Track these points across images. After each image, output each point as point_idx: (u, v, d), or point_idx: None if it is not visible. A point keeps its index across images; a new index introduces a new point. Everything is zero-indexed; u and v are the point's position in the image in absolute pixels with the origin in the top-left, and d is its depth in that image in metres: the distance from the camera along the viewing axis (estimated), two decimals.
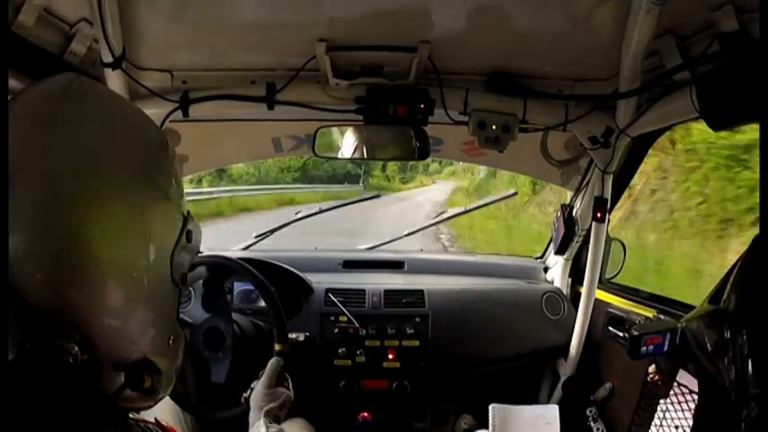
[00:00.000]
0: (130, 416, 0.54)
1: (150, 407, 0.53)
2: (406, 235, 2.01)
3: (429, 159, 1.76)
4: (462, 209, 2.05)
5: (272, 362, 1.02)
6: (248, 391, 1.00)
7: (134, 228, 0.47)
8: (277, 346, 1.08)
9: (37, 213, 0.43)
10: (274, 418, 0.95)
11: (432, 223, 2.07)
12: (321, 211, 1.98)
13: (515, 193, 1.95)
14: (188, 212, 0.55)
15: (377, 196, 2.40)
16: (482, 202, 2.23)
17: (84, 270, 0.44)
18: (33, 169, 0.43)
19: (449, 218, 2.02)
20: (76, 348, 0.43)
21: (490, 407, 1.37)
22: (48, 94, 0.47)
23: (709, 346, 0.55)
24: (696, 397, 1.11)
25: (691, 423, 1.09)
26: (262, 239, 1.87)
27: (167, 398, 1.10)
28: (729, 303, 0.54)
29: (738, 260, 0.57)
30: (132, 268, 0.47)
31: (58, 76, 0.49)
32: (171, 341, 0.52)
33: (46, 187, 0.43)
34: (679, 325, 0.60)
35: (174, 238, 0.52)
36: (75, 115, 0.46)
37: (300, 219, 1.93)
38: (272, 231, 1.88)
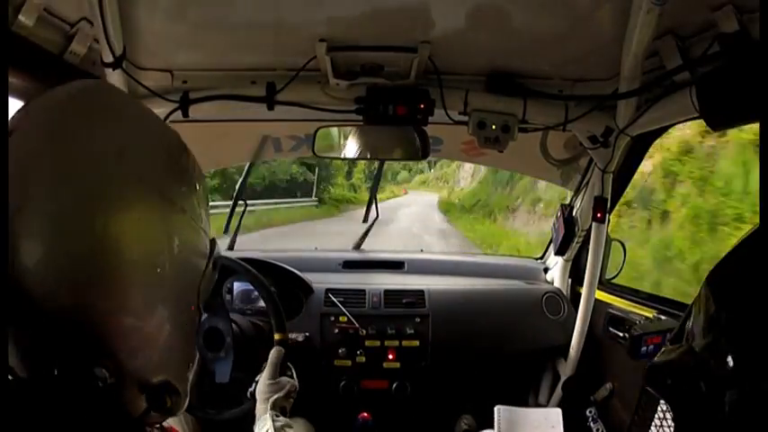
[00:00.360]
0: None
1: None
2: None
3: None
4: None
5: (273, 352, 1.02)
6: (253, 386, 1.00)
7: (166, 248, 0.47)
8: (276, 336, 1.08)
9: (60, 221, 0.41)
10: (281, 409, 0.95)
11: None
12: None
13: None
14: (214, 240, 0.54)
15: None
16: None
17: (115, 289, 0.43)
18: (53, 172, 0.41)
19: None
20: (107, 374, 0.43)
21: (495, 408, 1.37)
22: (71, 96, 0.46)
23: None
24: None
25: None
26: None
27: None
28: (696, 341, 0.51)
29: (699, 295, 0.53)
30: (165, 295, 0.47)
31: (80, 81, 0.48)
32: (190, 366, 0.53)
33: (69, 193, 0.41)
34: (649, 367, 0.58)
35: (203, 267, 0.52)
36: (99, 118, 0.45)
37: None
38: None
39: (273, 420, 0.92)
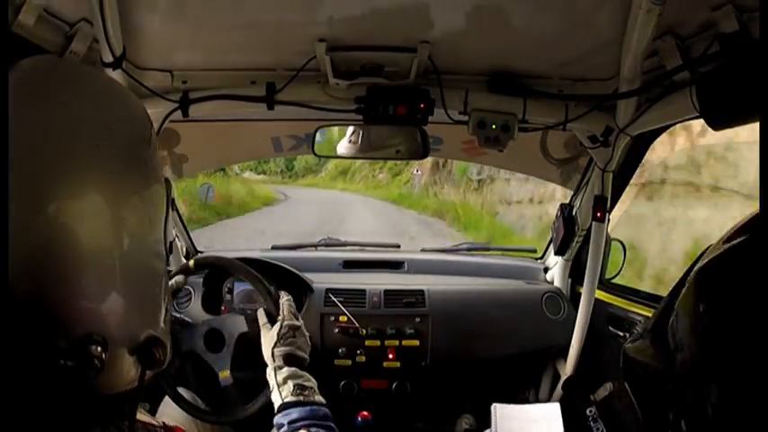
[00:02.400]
0: (138, 418, 0.54)
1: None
2: (421, 251, 2.02)
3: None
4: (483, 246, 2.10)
5: (259, 311, 1.01)
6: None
7: (130, 209, 0.47)
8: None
9: (24, 198, 0.41)
10: (284, 357, 0.92)
11: (450, 249, 2.06)
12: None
13: (535, 250, 1.99)
14: (167, 180, 0.55)
15: None
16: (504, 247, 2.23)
17: (85, 260, 0.43)
18: (20, 152, 0.41)
19: (467, 249, 2.03)
20: (100, 349, 0.43)
21: (492, 406, 1.37)
22: (33, 73, 0.46)
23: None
24: None
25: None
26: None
27: (177, 408, 1.09)
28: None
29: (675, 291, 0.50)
30: (131, 250, 0.47)
31: (42, 57, 0.48)
32: (167, 310, 0.54)
33: (32, 170, 0.41)
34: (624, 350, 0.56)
35: (164, 212, 0.52)
36: (62, 95, 0.45)
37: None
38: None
39: (275, 374, 0.89)
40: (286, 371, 0.90)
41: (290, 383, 0.88)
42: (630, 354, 0.55)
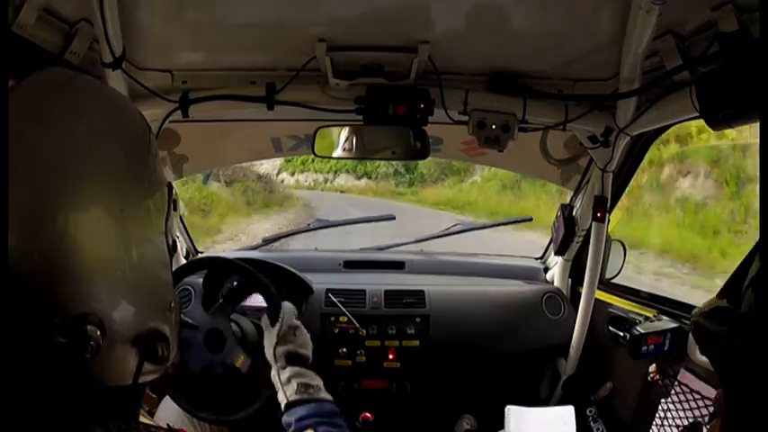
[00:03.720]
0: (141, 420, 0.54)
1: (157, 378, 0.54)
2: (414, 242, 1.99)
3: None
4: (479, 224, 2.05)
5: (263, 317, 1.02)
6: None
7: (134, 214, 0.48)
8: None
9: (28, 209, 0.42)
10: (286, 357, 0.92)
11: (444, 234, 2.02)
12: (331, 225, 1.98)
13: (531, 219, 1.97)
14: (169, 184, 0.56)
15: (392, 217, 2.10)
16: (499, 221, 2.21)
17: (90, 253, 0.44)
18: (21, 167, 0.42)
19: (461, 231, 2.00)
20: (96, 331, 0.43)
21: (506, 408, 1.37)
22: (36, 90, 0.46)
23: (730, 350, 0.51)
24: (697, 396, 1.11)
25: (691, 422, 1.09)
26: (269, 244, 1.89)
27: (177, 407, 1.09)
28: (745, 304, 0.51)
29: (752, 253, 0.53)
30: (135, 247, 0.48)
31: (46, 72, 0.48)
32: (171, 307, 0.54)
33: (34, 184, 0.42)
34: (692, 318, 0.57)
35: (165, 212, 0.53)
36: (64, 112, 0.46)
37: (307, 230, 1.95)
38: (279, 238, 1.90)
39: (279, 374, 0.89)
40: (289, 370, 0.90)
41: (294, 382, 0.88)
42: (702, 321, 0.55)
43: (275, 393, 0.91)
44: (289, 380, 0.88)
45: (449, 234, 1.97)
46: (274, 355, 0.93)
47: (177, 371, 1.15)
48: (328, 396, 0.88)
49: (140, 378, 0.49)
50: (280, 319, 0.98)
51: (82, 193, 0.44)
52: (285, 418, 0.84)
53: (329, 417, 0.83)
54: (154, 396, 1.10)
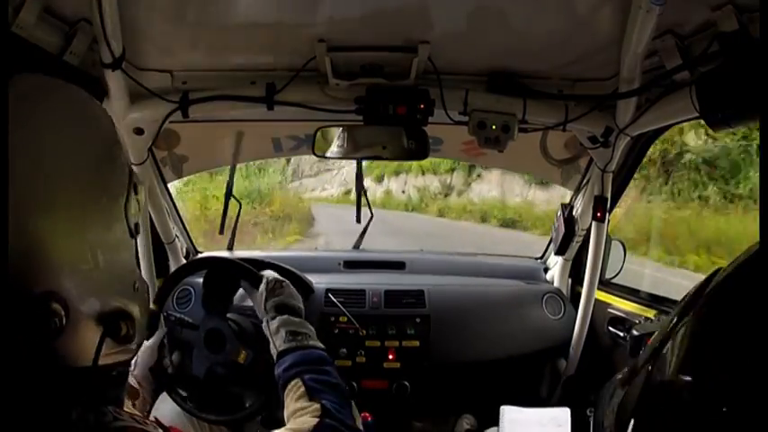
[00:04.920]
0: (127, 410, 0.54)
1: (128, 362, 0.57)
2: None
3: None
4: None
5: (243, 283, 1.04)
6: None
7: (93, 197, 0.52)
8: None
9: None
10: (274, 307, 0.92)
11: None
12: None
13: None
14: (130, 168, 0.58)
15: None
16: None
17: (49, 234, 0.47)
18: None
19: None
20: (59, 307, 0.46)
21: (501, 408, 1.37)
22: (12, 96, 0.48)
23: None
24: None
25: None
26: None
27: (176, 406, 1.09)
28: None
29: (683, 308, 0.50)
30: (93, 226, 0.51)
31: (20, 78, 0.49)
32: (136, 287, 0.57)
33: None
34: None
35: (124, 194, 0.56)
36: (33, 119, 0.48)
37: None
38: None
39: (269, 325, 0.89)
40: (278, 320, 0.89)
41: (283, 331, 0.87)
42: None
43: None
44: (278, 329, 0.88)
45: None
46: (264, 308, 0.93)
47: (180, 375, 1.15)
48: (318, 343, 0.87)
49: (105, 358, 0.51)
50: (264, 277, 0.98)
51: (49, 192, 0.47)
52: (275, 370, 0.83)
53: (316, 364, 0.81)
54: (136, 388, 1.10)
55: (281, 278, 1.00)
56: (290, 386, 0.78)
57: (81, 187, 0.51)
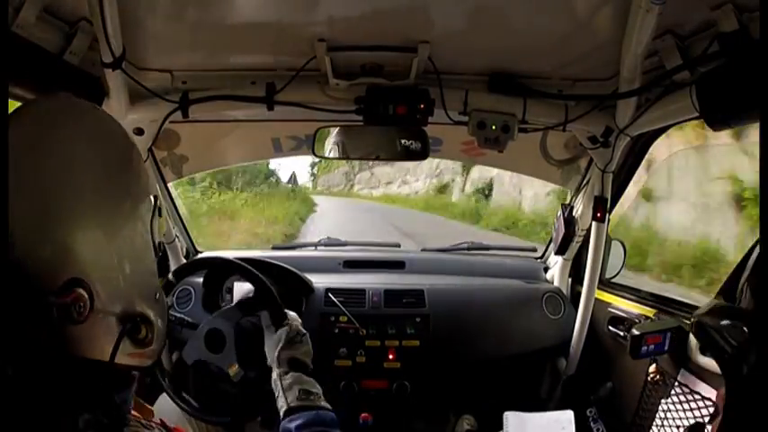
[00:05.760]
0: (134, 413, 0.55)
1: (146, 367, 0.59)
2: (422, 251, 2.01)
3: None
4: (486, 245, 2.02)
5: (263, 313, 1.04)
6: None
7: (123, 220, 0.56)
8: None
9: (33, 223, 0.50)
10: (288, 362, 0.93)
11: (451, 248, 2.00)
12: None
13: (536, 249, 1.96)
14: (155, 197, 0.63)
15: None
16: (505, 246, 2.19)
17: (82, 232, 0.52)
18: (26, 188, 0.50)
19: (467, 249, 1.96)
20: (85, 294, 0.50)
21: (504, 414, 1.36)
22: (35, 122, 0.54)
23: (732, 342, 0.53)
24: (697, 396, 1.11)
25: (692, 423, 1.09)
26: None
27: (176, 407, 1.09)
28: (743, 300, 0.52)
29: (749, 253, 0.54)
30: (119, 231, 0.55)
31: (47, 99, 0.57)
32: (157, 297, 0.60)
33: (38, 204, 0.51)
34: (693, 319, 0.59)
35: (145, 201, 0.61)
36: (58, 140, 0.53)
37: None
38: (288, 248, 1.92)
39: (281, 380, 0.89)
40: (291, 376, 0.90)
41: (296, 389, 0.88)
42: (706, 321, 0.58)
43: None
44: (290, 386, 0.88)
45: (456, 250, 1.97)
46: (278, 358, 0.93)
47: (176, 371, 1.15)
48: (328, 405, 0.88)
49: (121, 357, 0.53)
50: (288, 324, 0.98)
51: (75, 200, 0.53)
52: (285, 424, 0.84)
53: (329, 426, 0.83)
54: (149, 407, 1.10)
55: (302, 329, 1.00)
56: None
57: (104, 195, 0.55)
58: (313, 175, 30.03)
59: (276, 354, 0.94)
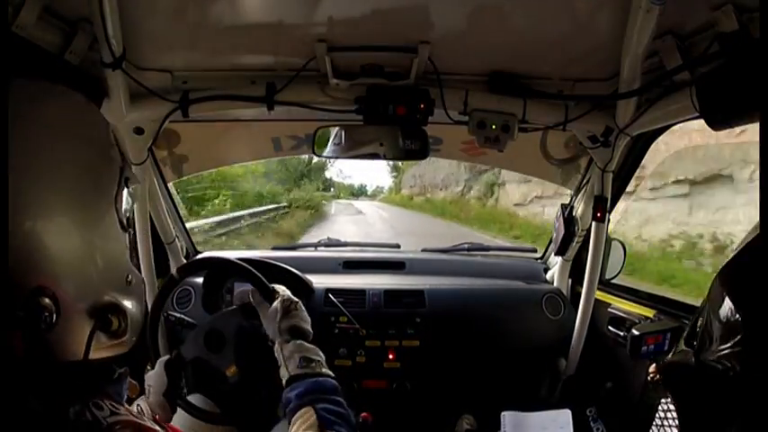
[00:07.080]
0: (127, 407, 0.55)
1: (121, 355, 0.57)
2: (422, 251, 2.01)
3: None
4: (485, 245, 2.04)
5: (251, 290, 1.02)
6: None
7: (83, 192, 0.53)
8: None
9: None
10: (288, 330, 0.91)
11: (451, 249, 2.01)
12: None
13: (536, 250, 1.96)
14: (123, 161, 0.59)
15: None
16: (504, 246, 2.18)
17: (40, 230, 0.48)
18: None
19: (467, 250, 1.98)
20: (50, 302, 0.47)
21: (501, 414, 1.37)
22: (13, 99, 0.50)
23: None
24: None
25: None
26: None
27: (181, 411, 1.09)
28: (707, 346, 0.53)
29: (706, 301, 0.56)
30: (83, 222, 0.52)
31: (22, 82, 0.51)
32: (129, 280, 0.57)
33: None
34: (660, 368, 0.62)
35: (115, 188, 0.57)
36: (32, 122, 0.50)
37: None
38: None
39: (282, 348, 0.89)
40: (292, 344, 0.89)
41: (297, 357, 0.87)
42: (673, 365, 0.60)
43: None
44: (291, 354, 0.87)
45: (456, 250, 1.97)
46: (278, 329, 0.92)
47: (176, 372, 1.14)
48: (330, 372, 0.87)
49: (98, 352, 0.52)
50: (281, 294, 0.98)
51: (40, 190, 0.49)
52: (286, 394, 0.83)
53: (329, 393, 0.81)
54: (134, 382, 1.10)
55: (294, 297, 0.99)
56: (300, 413, 0.78)
57: (72, 186, 0.52)
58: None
59: (277, 324, 0.93)
